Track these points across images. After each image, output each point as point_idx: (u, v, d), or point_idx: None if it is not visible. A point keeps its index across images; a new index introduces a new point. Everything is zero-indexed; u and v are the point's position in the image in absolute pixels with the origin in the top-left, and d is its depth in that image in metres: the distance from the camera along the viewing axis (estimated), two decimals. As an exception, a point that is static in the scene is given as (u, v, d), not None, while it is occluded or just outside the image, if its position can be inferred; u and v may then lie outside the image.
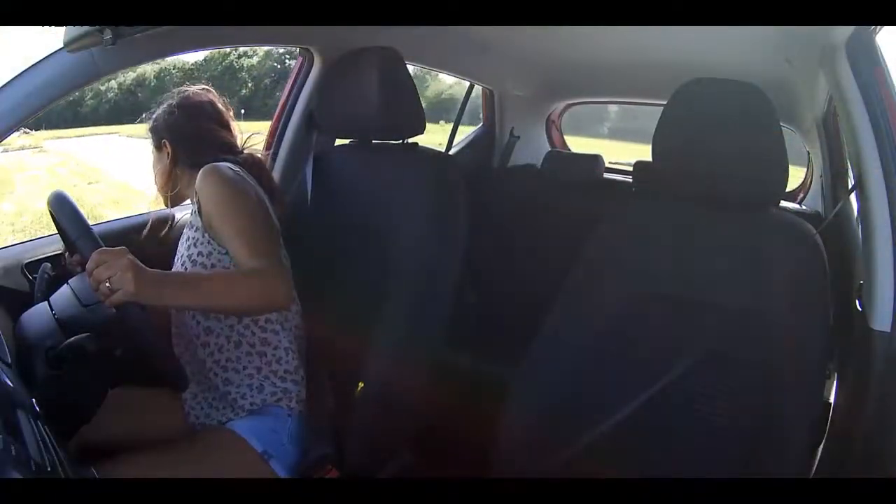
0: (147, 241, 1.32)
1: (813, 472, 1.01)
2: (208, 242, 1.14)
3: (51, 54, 1.09)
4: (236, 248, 1.08)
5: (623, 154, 2.89)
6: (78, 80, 1.11)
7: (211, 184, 1.11)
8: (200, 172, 1.12)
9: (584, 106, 2.79)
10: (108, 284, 0.87)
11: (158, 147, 1.24)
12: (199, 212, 1.14)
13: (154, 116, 1.25)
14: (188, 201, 1.27)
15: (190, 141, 1.22)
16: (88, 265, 0.89)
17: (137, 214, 1.52)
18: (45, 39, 1.06)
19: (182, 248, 1.19)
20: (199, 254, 1.15)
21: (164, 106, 1.25)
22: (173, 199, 1.27)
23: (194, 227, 1.17)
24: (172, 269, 1.20)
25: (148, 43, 1.16)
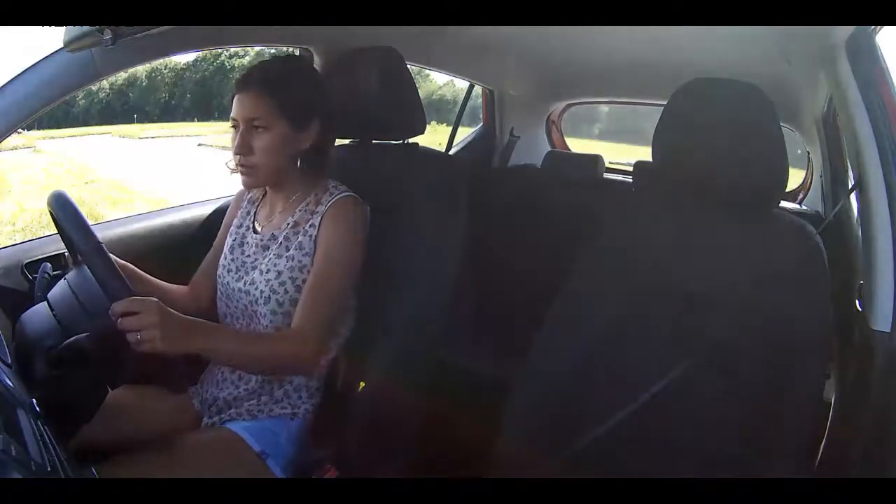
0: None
1: (813, 472, 1.01)
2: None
3: (51, 54, 1.09)
4: (305, 298, 1.08)
5: (623, 156, 2.88)
6: (78, 80, 1.11)
7: (353, 219, 1.12)
8: (350, 201, 1.13)
9: (584, 107, 2.78)
10: (137, 336, 0.89)
11: (299, 127, 1.12)
12: (315, 235, 1.12)
13: (293, 92, 1.11)
14: (250, 194, 1.25)
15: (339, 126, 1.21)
16: (116, 308, 0.89)
17: (138, 214, 1.52)
18: (45, 39, 1.06)
19: (276, 259, 1.13)
20: (304, 281, 1.11)
21: (306, 78, 1.15)
22: (272, 185, 1.18)
23: (299, 248, 1.12)
24: (255, 277, 1.14)
25: (148, 43, 1.16)
